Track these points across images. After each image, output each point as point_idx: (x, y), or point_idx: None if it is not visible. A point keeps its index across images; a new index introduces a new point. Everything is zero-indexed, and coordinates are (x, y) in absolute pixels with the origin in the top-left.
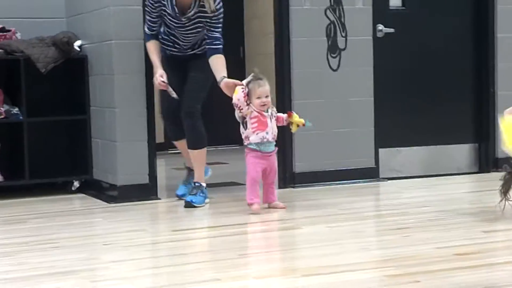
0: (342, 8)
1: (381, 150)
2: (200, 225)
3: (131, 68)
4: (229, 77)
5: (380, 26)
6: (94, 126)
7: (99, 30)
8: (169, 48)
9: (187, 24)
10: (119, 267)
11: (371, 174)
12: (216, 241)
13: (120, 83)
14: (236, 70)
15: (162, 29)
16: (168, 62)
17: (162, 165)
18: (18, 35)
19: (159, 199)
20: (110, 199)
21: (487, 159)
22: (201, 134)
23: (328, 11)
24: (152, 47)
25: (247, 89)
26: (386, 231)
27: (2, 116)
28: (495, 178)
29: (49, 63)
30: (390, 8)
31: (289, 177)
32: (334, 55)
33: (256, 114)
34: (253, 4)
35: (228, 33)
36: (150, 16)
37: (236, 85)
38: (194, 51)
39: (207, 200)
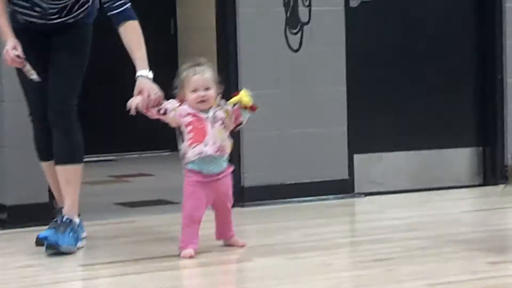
0: None
1: (356, 157)
2: (118, 258)
3: None
4: (158, 60)
5: None
6: None
7: None
8: (25, 12)
9: None
10: None
11: (343, 188)
12: (138, 278)
13: None
14: (166, 50)
15: None
16: (23, 34)
17: None
18: None
19: None
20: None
21: (494, 168)
22: (77, 143)
23: None
24: None
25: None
26: (363, 263)
27: None
28: (504, 193)
29: None
30: None
31: (236, 193)
32: (294, 31)
33: (190, 119)
34: None
35: (155, 2)
36: None
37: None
38: (63, 19)
39: (80, 244)
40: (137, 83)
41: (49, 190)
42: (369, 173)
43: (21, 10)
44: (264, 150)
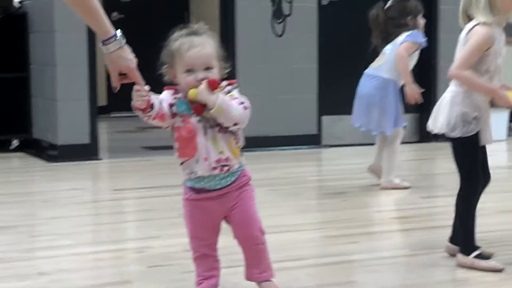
0: None
1: (324, 118)
2: (141, 185)
3: (73, 25)
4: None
5: None
6: (34, 84)
7: None
8: None
9: None
10: (58, 223)
11: (313, 140)
12: (156, 200)
13: (61, 41)
14: None
15: None
16: None
17: (104, 128)
18: None
19: (100, 159)
20: (50, 159)
21: (426, 129)
22: None
23: None
24: None
25: (149, 97)
26: (326, 195)
27: None
28: (435, 148)
29: None
30: None
31: None
32: (279, 21)
33: (179, 123)
34: None
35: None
36: None
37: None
38: None
39: None
40: (116, 55)
41: (89, 134)
42: (333, 130)
43: None
44: (254, 110)
